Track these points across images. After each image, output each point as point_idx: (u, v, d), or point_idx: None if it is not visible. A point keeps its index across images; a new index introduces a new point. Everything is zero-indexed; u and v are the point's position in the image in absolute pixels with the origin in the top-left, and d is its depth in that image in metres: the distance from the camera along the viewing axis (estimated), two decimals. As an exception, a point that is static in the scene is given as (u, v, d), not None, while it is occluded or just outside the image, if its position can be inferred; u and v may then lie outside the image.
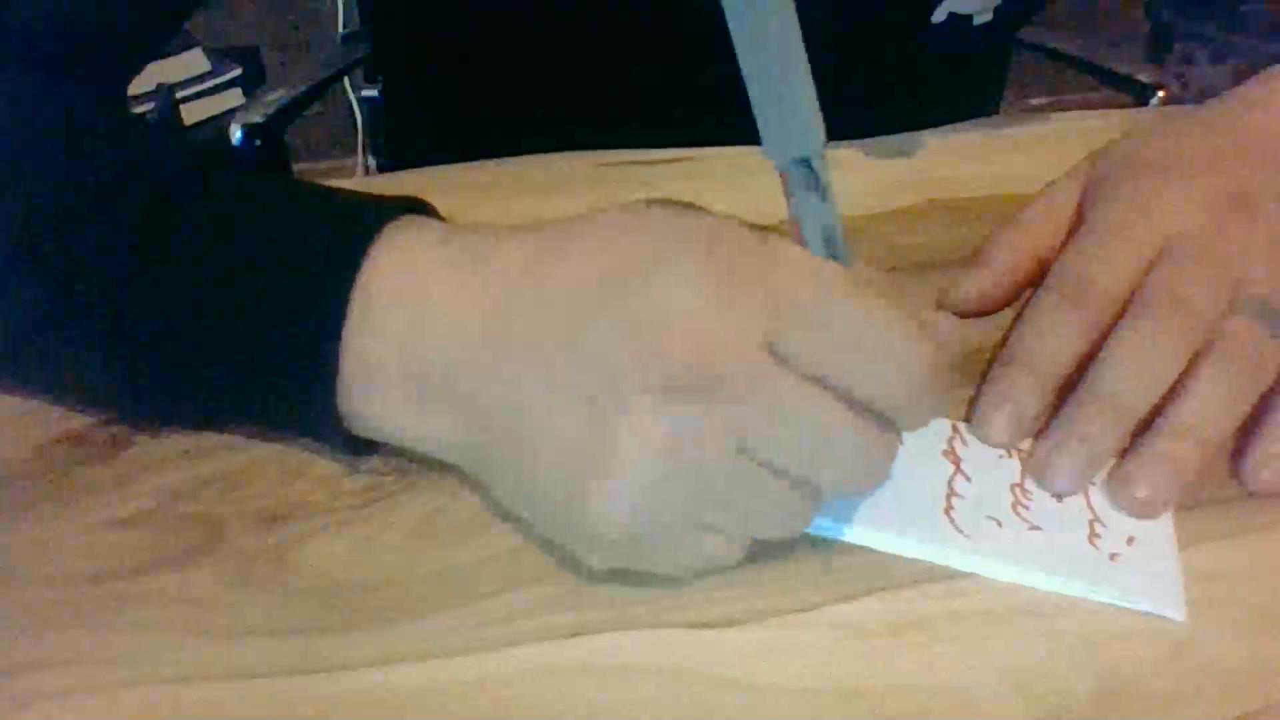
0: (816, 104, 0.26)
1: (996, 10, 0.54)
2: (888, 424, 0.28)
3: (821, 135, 0.27)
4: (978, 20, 0.54)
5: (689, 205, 0.29)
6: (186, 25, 1.59)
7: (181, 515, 0.32)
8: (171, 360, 0.31)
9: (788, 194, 0.28)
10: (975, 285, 0.40)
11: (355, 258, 0.30)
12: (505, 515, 0.32)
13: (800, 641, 0.29)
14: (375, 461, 0.34)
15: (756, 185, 0.48)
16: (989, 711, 0.27)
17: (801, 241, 0.28)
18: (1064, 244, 0.41)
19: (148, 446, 0.34)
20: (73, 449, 0.34)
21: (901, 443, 0.29)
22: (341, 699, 0.27)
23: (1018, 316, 0.38)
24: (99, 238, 0.31)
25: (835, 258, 0.28)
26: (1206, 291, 0.34)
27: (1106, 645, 0.29)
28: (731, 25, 0.25)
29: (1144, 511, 0.32)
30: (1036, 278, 0.41)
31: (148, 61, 0.47)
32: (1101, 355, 0.34)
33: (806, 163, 0.27)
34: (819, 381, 0.27)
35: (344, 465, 0.34)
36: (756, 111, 0.26)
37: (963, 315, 0.40)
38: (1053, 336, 0.35)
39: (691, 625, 0.29)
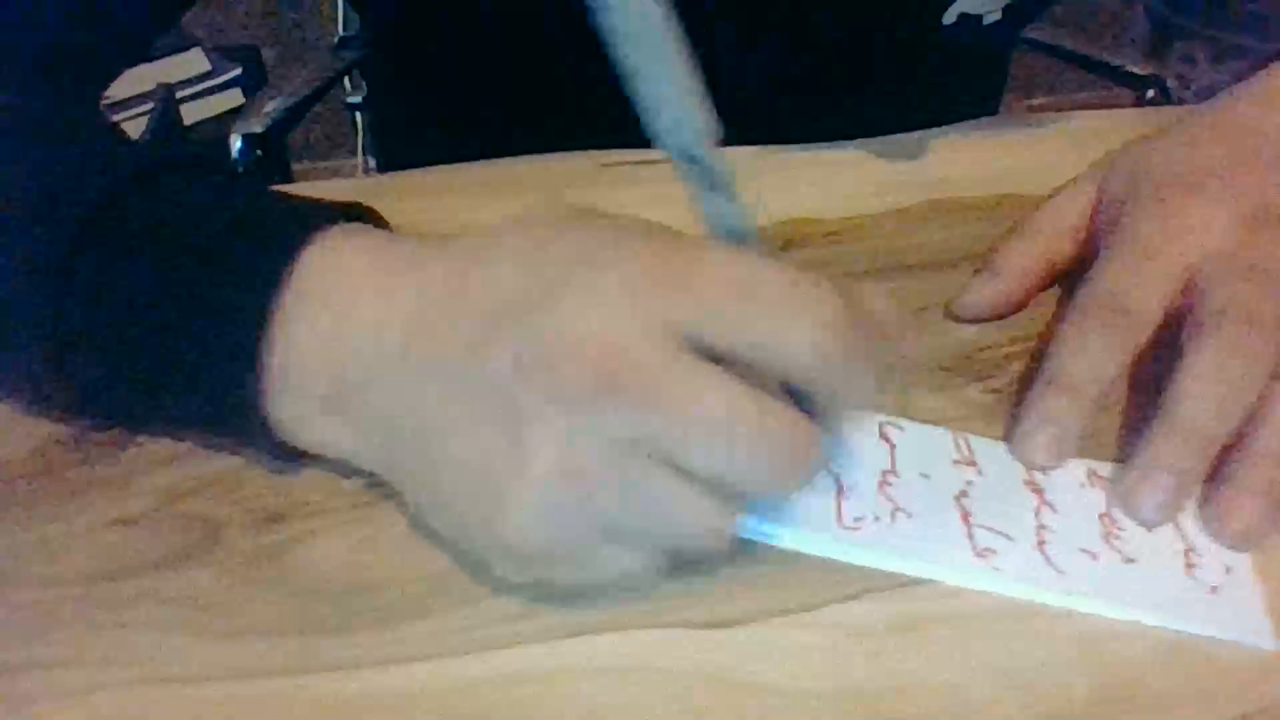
0: (700, 100, 0.26)
1: (1006, 9, 0.54)
2: (812, 417, 0.27)
3: (708, 130, 0.26)
4: (988, 20, 0.54)
5: (603, 213, 0.29)
6: (188, 26, 1.59)
7: (181, 515, 0.32)
8: (104, 365, 0.32)
9: (686, 188, 0.28)
10: (986, 293, 0.40)
11: (281, 269, 0.30)
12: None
13: (800, 641, 0.29)
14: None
15: (755, 186, 0.48)
16: (989, 711, 0.27)
17: (708, 232, 0.28)
18: (1075, 254, 0.41)
19: (148, 446, 0.34)
20: (73, 449, 0.34)
21: (828, 436, 0.28)
22: (341, 699, 0.27)
23: (1042, 332, 0.38)
24: (40, 238, 0.31)
25: (740, 244, 0.28)
26: (1274, 307, 0.34)
27: (1106, 645, 0.29)
28: (606, 26, 0.24)
29: (1242, 544, 0.32)
30: (1048, 285, 0.42)
31: (128, 66, 0.47)
32: (1180, 379, 0.33)
33: (696, 158, 0.27)
34: (737, 371, 0.26)
35: (344, 465, 0.34)
36: (640, 109, 0.26)
37: (973, 321, 0.40)
38: (1090, 356, 0.35)
39: (691, 625, 0.29)
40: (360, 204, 0.33)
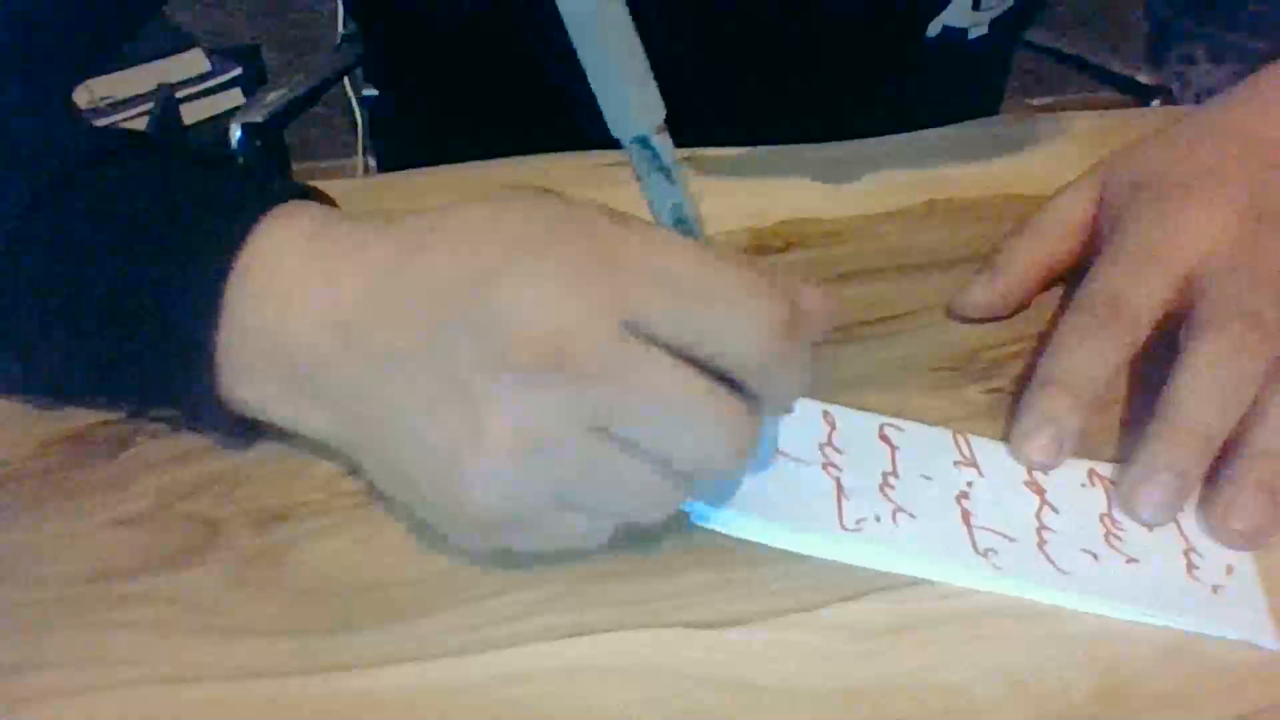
0: (652, 84, 0.27)
1: (992, 23, 0.54)
2: (751, 402, 0.28)
3: (658, 115, 0.27)
4: (973, 34, 0.54)
5: (549, 192, 0.29)
6: (188, 26, 1.59)
7: (181, 515, 0.32)
8: (56, 339, 0.32)
9: (636, 173, 0.28)
10: (987, 292, 0.40)
11: (231, 247, 0.30)
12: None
13: (800, 641, 0.29)
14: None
15: (753, 186, 0.48)
16: (989, 711, 0.27)
17: (655, 219, 0.29)
18: (1077, 254, 0.41)
19: (148, 446, 0.34)
20: (73, 449, 0.34)
21: (763, 423, 0.29)
22: (341, 699, 0.27)
23: (1042, 332, 0.38)
24: None
25: (687, 234, 0.29)
26: (1272, 306, 0.34)
27: (1106, 645, 0.29)
28: (561, 8, 0.25)
29: (1243, 543, 0.32)
30: (1048, 285, 0.42)
31: (104, 58, 0.47)
32: (1179, 379, 0.33)
33: (645, 141, 0.28)
34: (677, 355, 0.27)
35: (344, 465, 0.34)
36: (595, 92, 0.26)
37: (973, 321, 0.40)
38: (1089, 356, 0.35)
39: (691, 625, 0.29)
40: (308, 185, 0.34)
